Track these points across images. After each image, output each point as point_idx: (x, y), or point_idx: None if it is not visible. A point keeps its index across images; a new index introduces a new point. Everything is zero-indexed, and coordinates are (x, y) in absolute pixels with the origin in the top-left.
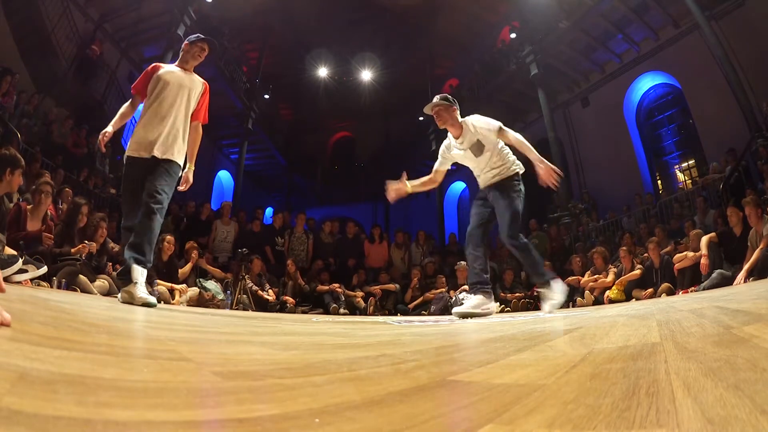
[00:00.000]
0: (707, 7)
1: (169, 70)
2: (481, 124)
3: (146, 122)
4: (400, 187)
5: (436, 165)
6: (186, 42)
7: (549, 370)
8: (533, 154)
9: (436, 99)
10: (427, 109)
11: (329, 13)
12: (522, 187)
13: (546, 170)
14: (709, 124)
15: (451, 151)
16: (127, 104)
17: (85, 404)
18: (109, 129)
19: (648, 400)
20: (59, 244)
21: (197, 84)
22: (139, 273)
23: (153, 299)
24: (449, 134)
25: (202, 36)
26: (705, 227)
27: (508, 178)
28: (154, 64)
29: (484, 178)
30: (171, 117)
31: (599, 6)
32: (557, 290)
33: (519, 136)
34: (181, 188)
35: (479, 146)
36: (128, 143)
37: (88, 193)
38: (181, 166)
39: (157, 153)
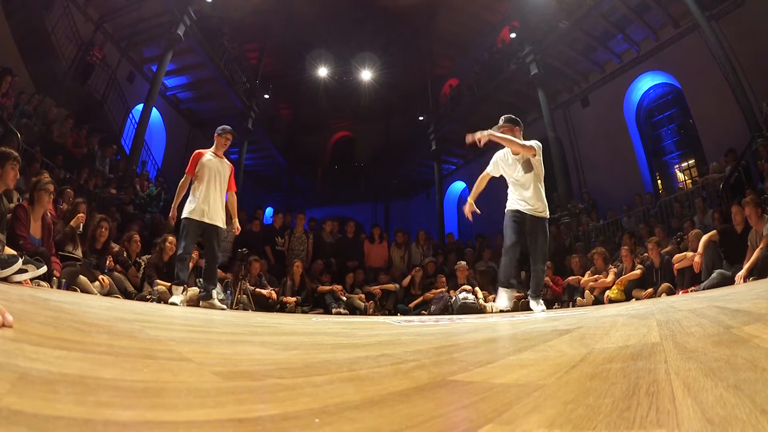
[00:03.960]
0: (707, 7)
1: (208, 158)
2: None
3: (198, 198)
4: (470, 206)
5: (487, 170)
6: (215, 134)
7: (549, 370)
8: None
9: (501, 119)
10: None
11: (329, 13)
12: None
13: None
14: (709, 124)
15: (506, 161)
16: (182, 182)
17: (85, 404)
18: (174, 211)
19: (648, 400)
20: (60, 245)
21: (226, 168)
22: (214, 294)
23: (222, 306)
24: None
25: (225, 128)
26: (704, 227)
27: (545, 218)
28: (197, 152)
29: (524, 202)
30: (211, 195)
31: (599, 6)
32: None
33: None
34: (236, 232)
35: (528, 165)
36: (186, 209)
37: (89, 194)
38: (223, 228)
39: (206, 220)
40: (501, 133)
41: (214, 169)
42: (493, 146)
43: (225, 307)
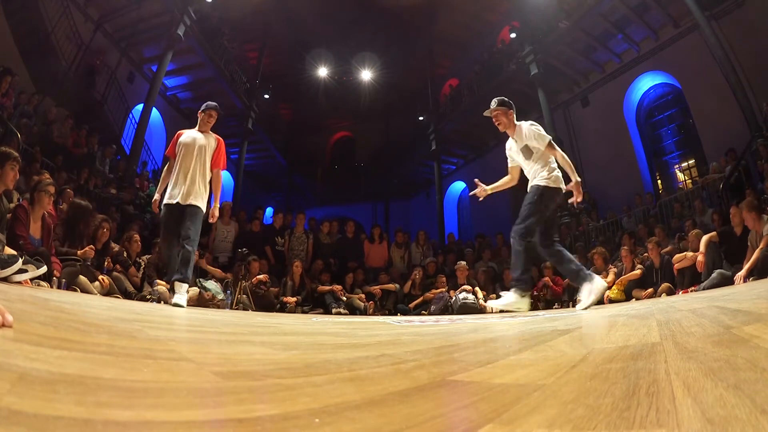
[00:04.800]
0: (707, 7)
1: (188, 135)
2: (533, 132)
3: (175, 179)
4: (481, 191)
5: (509, 164)
6: (199, 111)
7: (549, 370)
8: (574, 175)
9: (493, 104)
10: (486, 113)
11: (329, 12)
12: (550, 200)
13: (577, 190)
14: (709, 123)
15: (511, 149)
16: (165, 168)
17: (85, 404)
18: (157, 196)
19: (648, 400)
20: (62, 244)
21: (211, 142)
22: (179, 286)
23: (183, 303)
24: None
25: (209, 104)
26: (703, 227)
27: (544, 187)
28: (178, 132)
29: (530, 183)
30: (189, 174)
31: (599, 6)
32: (516, 300)
33: (565, 157)
34: (211, 221)
35: (528, 150)
36: (164, 196)
37: (89, 194)
38: (202, 208)
39: (180, 200)
40: (495, 118)
41: (193, 146)
42: (494, 146)
43: (183, 305)
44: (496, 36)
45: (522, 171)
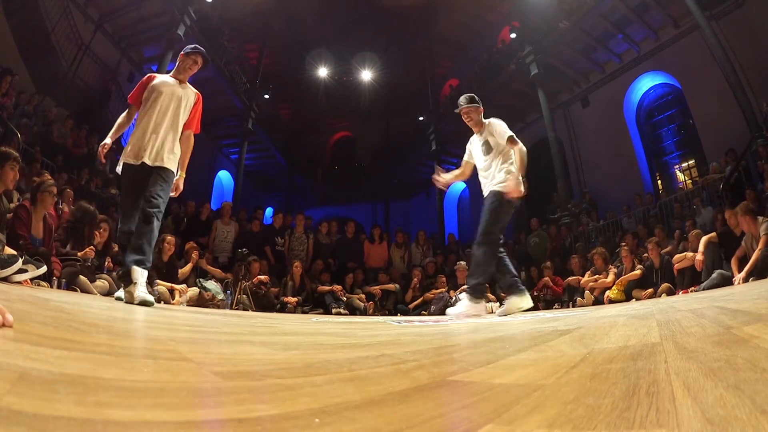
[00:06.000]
0: (707, 7)
1: (162, 80)
2: (495, 127)
3: (140, 131)
4: (440, 179)
5: (464, 158)
6: (182, 53)
7: (549, 370)
8: (519, 171)
9: (463, 100)
10: (457, 110)
11: (329, 13)
12: (509, 205)
13: (515, 185)
14: (709, 124)
15: (472, 144)
16: (123, 114)
17: (85, 404)
18: (108, 140)
19: (648, 400)
20: (63, 244)
21: (190, 95)
22: (139, 273)
23: (150, 298)
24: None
25: (198, 48)
26: (702, 227)
27: (495, 191)
28: (149, 75)
29: (485, 184)
30: (162, 126)
31: (599, 6)
32: (467, 307)
33: (523, 151)
34: (172, 194)
35: (488, 146)
36: (123, 151)
37: (90, 195)
38: (174, 172)
39: (147, 161)
40: (466, 114)
41: (168, 94)
42: None
43: (151, 299)
44: (496, 36)
45: (474, 169)
